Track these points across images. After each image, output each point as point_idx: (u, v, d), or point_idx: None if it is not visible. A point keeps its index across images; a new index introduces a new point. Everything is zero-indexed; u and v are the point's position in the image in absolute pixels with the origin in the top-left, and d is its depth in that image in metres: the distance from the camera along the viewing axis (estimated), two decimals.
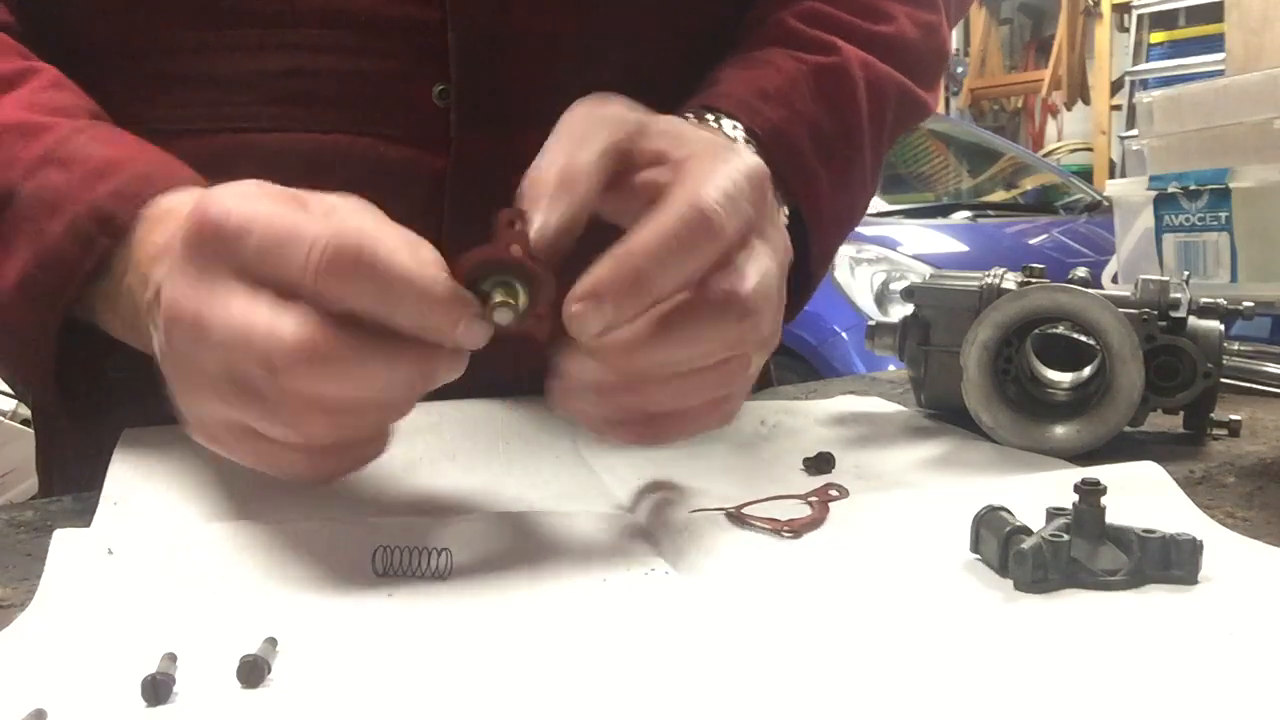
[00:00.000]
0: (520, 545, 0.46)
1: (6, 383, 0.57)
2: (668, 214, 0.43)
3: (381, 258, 0.40)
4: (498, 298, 0.42)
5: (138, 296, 0.48)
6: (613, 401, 0.46)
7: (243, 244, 0.41)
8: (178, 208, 0.49)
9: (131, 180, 0.50)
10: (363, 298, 0.40)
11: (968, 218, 3.88)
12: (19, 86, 0.56)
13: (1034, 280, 0.64)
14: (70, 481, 0.67)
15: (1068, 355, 0.64)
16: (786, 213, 0.61)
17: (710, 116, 0.61)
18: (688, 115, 0.61)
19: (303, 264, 0.40)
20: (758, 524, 0.49)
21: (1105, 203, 3.67)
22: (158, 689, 0.34)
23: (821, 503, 0.51)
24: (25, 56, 0.58)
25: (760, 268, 0.45)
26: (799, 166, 0.63)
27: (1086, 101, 6.44)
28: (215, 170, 0.62)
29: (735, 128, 0.60)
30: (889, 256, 3.24)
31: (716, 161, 0.45)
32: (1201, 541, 0.42)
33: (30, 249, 0.51)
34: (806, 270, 0.65)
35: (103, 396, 0.57)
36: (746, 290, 0.44)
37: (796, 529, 0.48)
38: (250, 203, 0.42)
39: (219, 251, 0.41)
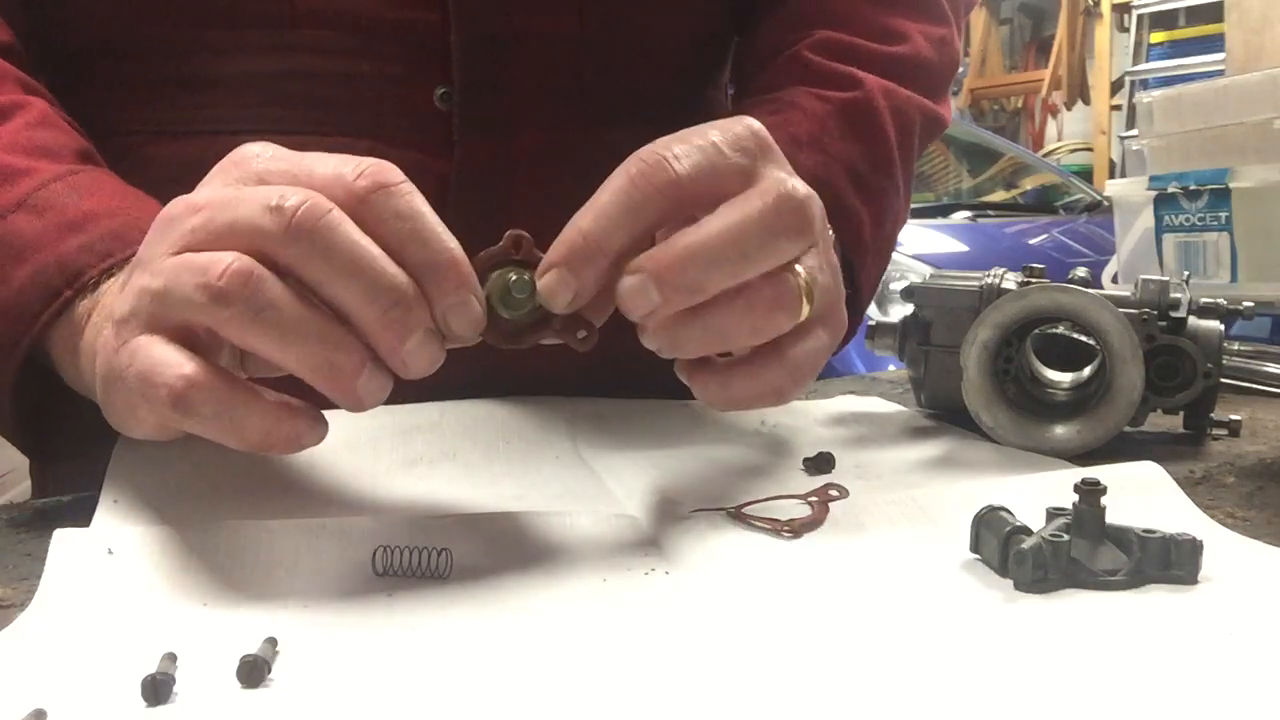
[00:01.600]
0: (520, 545, 0.46)
1: None
2: (614, 175, 0.44)
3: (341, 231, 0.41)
4: (512, 277, 0.44)
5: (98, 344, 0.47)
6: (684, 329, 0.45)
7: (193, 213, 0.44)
8: None
9: (103, 237, 0.50)
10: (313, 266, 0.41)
11: (968, 218, 3.87)
12: (3, 123, 0.55)
13: (1034, 280, 0.64)
14: (63, 488, 0.66)
15: (1068, 355, 0.64)
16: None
17: None
18: None
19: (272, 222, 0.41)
20: (758, 524, 0.49)
21: (1105, 203, 3.67)
22: (158, 689, 0.34)
23: (821, 503, 0.51)
24: (18, 85, 0.57)
25: (772, 180, 0.45)
26: (840, 209, 0.62)
27: (1086, 101, 6.44)
28: None
29: None
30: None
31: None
32: (1201, 541, 0.42)
33: None
34: (855, 304, 0.64)
35: (75, 439, 0.56)
36: (757, 187, 0.44)
37: (796, 529, 0.48)
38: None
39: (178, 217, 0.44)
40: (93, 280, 0.49)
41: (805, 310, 0.46)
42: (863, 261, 0.65)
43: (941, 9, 0.75)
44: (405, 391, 0.59)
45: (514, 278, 0.44)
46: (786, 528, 0.48)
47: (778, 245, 0.44)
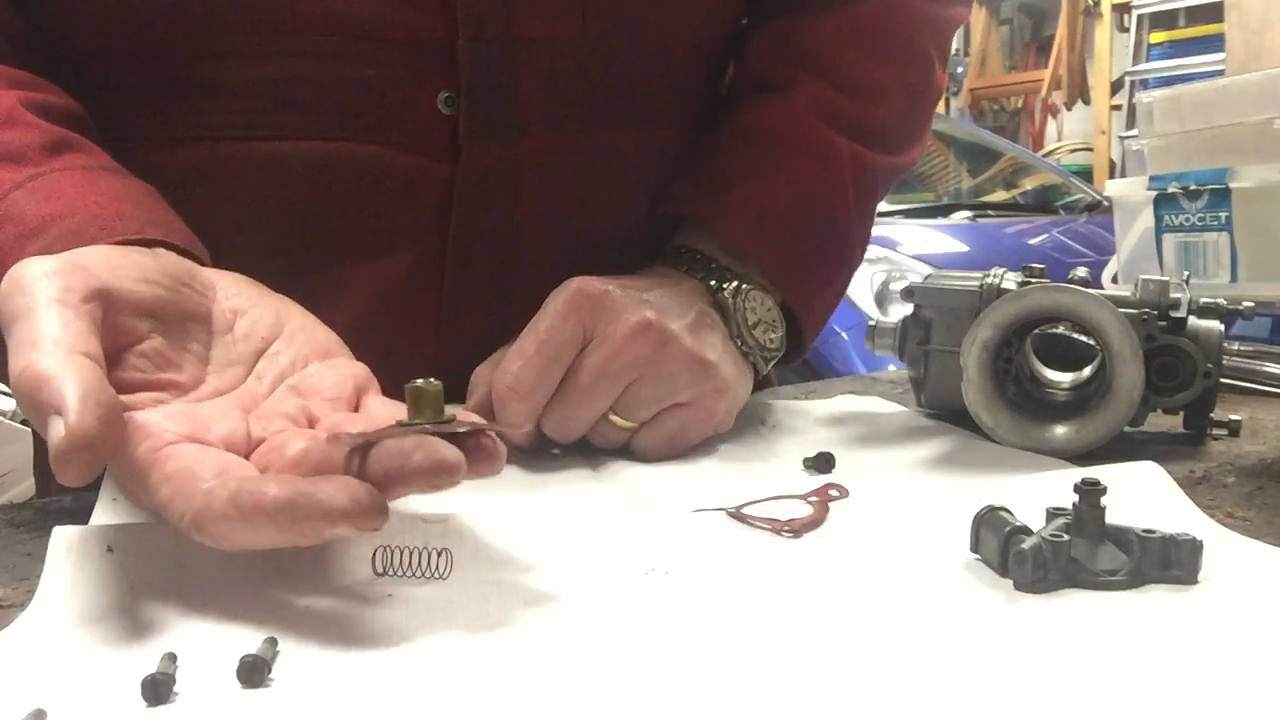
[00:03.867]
0: (520, 545, 0.46)
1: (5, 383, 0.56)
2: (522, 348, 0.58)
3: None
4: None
5: None
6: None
7: None
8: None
9: (61, 237, 0.49)
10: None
11: (968, 218, 3.87)
12: None
13: (1034, 280, 0.64)
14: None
15: (1068, 355, 0.64)
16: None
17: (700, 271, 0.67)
18: (682, 251, 0.68)
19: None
20: (758, 524, 0.49)
21: (1105, 203, 3.67)
22: (158, 689, 0.34)
23: (821, 503, 0.51)
24: None
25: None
26: (796, 284, 0.69)
27: (1086, 101, 6.44)
28: (218, 178, 0.62)
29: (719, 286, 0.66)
30: (889, 256, 3.24)
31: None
32: (1201, 541, 0.42)
33: None
34: (800, 340, 0.71)
35: None
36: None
37: (796, 529, 0.48)
38: None
39: None
40: None
41: (627, 427, 0.59)
42: (810, 313, 0.71)
43: (922, 52, 0.77)
44: None
45: (419, 384, 0.41)
46: (786, 528, 0.48)
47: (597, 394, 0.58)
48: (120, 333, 0.45)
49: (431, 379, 0.41)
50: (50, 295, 0.42)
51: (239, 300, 0.50)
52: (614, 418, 0.59)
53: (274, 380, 0.48)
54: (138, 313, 0.45)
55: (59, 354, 0.40)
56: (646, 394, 0.59)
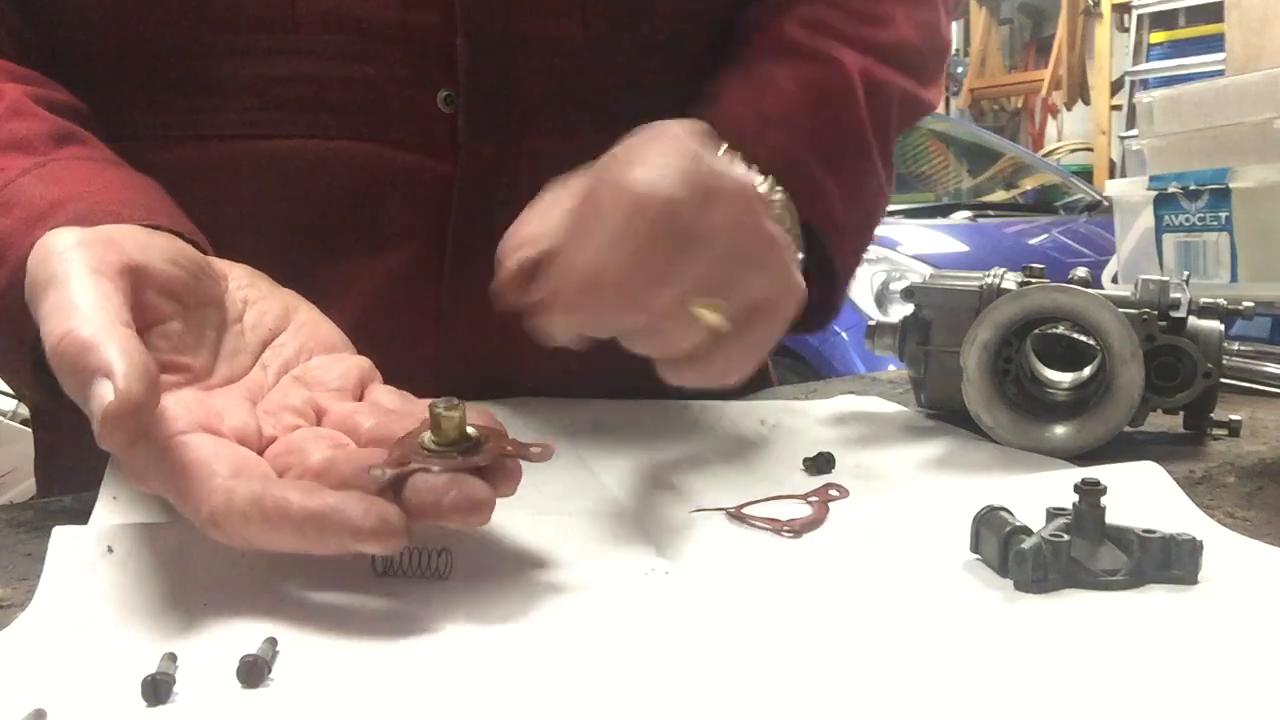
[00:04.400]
0: (520, 545, 0.46)
1: (7, 383, 0.56)
2: None
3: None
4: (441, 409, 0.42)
5: None
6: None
7: None
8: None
9: (68, 220, 0.48)
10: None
11: (968, 218, 3.88)
12: None
13: (1034, 280, 0.64)
14: (69, 485, 0.66)
15: (1068, 355, 0.64)
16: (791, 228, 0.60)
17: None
18: None
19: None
20: (758, 524, 0.49)
21: (1105, 203, 3.67)
22: (158, 689, 0.34)
23: (821, 503, 0.51)
24: None
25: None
26: (811, 187, 0.62)
27: (1086, 101, 6.45)
28: (217, 177, 0.62)
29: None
30: (889, 256, 3.24)
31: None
32: (1201, 541, 0.42)
33: None
34: (830, 281, 0.64)
35: None
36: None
37: (796, 529, 0.48)
38: None
39: None
40: None
41: (718, 325, 0.48)
42: (838, 237, 0.63)
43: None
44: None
45: (442, 410, 0.41)
46: (786, 528, 0.48)
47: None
48: (146, 310, 0.45)
49: (454, 401, 0.42)
50: (88, 264, 0.42)
51: (249, 291, 0.50)
52: (700, 307, 0.48)
53: (278, 370, 0.49)
54: (162, 293, 0.46)
55: (102, 321, 0.40)
56: (739, 271, 0.49)
